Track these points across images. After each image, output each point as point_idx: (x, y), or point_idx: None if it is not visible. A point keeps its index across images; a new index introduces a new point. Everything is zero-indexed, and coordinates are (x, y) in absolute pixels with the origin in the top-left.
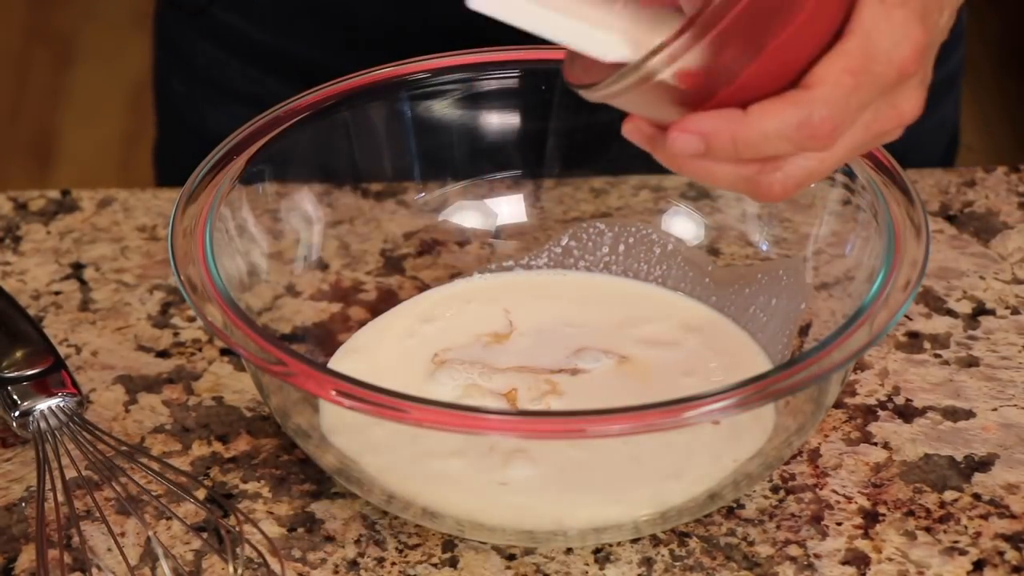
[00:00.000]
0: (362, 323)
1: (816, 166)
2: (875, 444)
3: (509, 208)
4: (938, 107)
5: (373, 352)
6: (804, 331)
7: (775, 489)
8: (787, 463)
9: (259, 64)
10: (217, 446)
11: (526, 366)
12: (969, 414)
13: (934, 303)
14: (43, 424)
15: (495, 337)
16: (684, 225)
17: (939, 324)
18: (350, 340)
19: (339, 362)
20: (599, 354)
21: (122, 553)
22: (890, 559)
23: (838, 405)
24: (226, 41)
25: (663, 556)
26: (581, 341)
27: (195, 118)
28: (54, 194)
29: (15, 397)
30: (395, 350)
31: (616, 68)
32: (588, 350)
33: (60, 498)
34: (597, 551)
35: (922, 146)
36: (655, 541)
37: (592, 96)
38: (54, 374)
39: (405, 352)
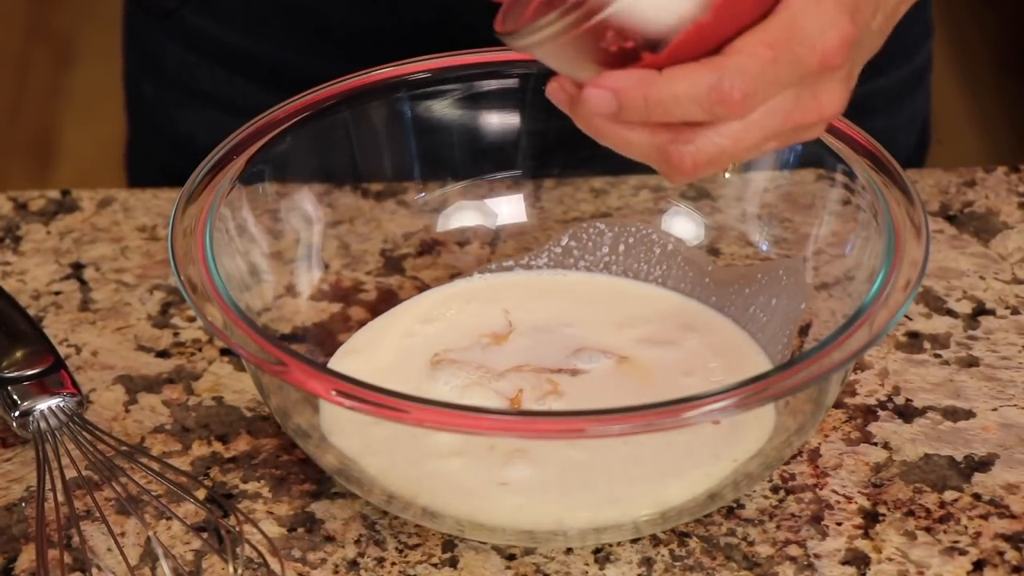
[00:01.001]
0: (362, 323)
1: (729, 145)
2: (875, 444)
3: (509, 208)
4: (909, 102)
5: (373, 352)
6: (804, 331)
7: (775, 489)
8: (787, 463)
9: (229, 66)
10: (217, 446)
11: (526, 366)
12: (969, 414)
13: (934, 303)
14: (43, 424)
15: (495, 337)
16: (684, 225)
17: (939, 324)
18: (350, 340)
19: (339, 362)
20: (598, 354)
21: (122, 553)
22: (890, 559)
23: (838, 405)
24: (195, 43)
25: (663, 556)
26: (581, 341)
27: (165, 121)
28: (54, 194)
29: (15, 397)
30: (395, 350)
31: (542, 15)
32: (587, 350)
33: (60, 498)
34: (597, 551)
35: (893, 140)
36: (655, 541)
37: (517, 44)
38: (54, 374)
39: (405, 352)
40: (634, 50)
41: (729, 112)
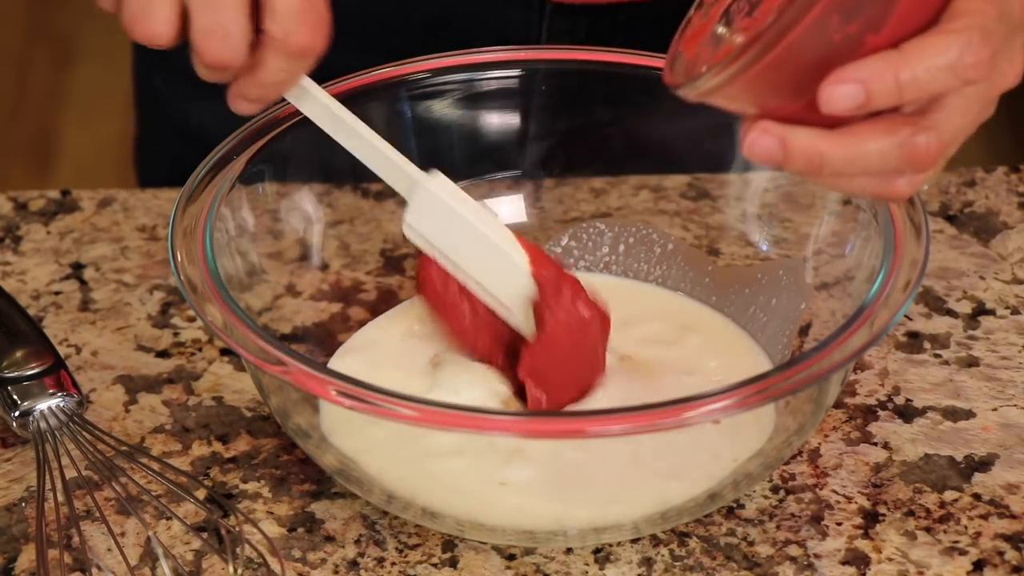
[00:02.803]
0: (362, 323)
1: (960, 121)
2: (875, 444)
3: (509, 208)
4: None
5: (372, 352)
6: (804, 331)
7: (775, 489)
8: (787, 463)
9: None
10: (217, 446)
11: None
12: (969, 414)
13: (934, 303)
14: (43, 424)
15: None
16: (684, 225)
17: (939, 324)
18: (349, 340)
19: (338, 362)
20: None
21: (122, 553)
22: (890, 559)
23: (838, 405)
24: None
25: (663, 556)
26: None
27: (177, 114)
28: (54, 194)
29: (15, 397)
30: (395, 350)
31: (724, 55)
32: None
33: (60, 498)
34: (597, 551)
35: None
36: (655, 541)
37: (708, 84)
38: (54, 374)
39: (405, 352)
40: (858, 34)
41: (982, 74)
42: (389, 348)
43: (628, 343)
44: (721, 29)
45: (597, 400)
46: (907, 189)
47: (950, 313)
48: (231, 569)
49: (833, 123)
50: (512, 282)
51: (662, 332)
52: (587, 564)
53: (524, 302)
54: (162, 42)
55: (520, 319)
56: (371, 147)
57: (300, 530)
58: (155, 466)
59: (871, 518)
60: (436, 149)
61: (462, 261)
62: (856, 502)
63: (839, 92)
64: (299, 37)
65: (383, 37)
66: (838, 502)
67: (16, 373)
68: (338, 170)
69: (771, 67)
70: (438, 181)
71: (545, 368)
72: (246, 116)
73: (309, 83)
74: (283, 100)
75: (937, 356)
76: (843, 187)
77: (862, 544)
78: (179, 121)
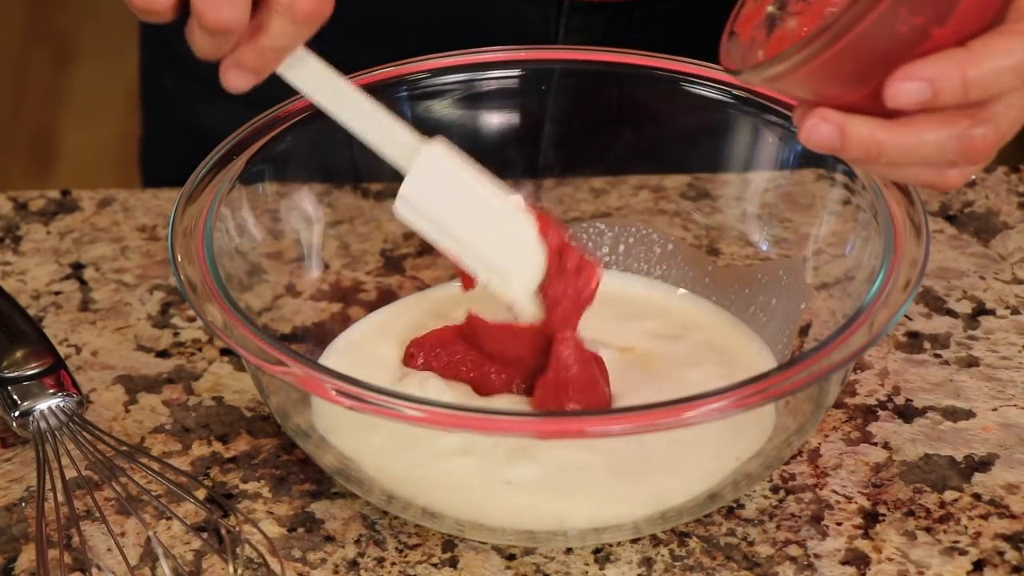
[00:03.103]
0: None
1: (1016, 115)
2: (875, 444)
3: None
4: None
5: (371, 349)
6: (804, 331)
7: (775, 489)
8: (787, 463)
9: None
10: (217, 446)
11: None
12: (969, 414)
13: (934, 303)
14: (43, 424)
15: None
16: (684, 225)
17: (939, 324)
18: (345, 333)
19: (335, 358)
20: (598, 344)
21: (122, 553)
22: (890, 559)
23: (838, 405)
24: None
25: (663, 556)
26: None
27: (187, 116)
28: (54, 194)
29: (15, 397)
30: (394, 345)
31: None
32: (590, 341)
33: (60, 498)
34: (597, 551)
35: None
36: (655, 541)
37: (773, 72)
38: (54, 374)
39: (399, 348)
40: (923, 26)
41: None
42: (390, 344)
43: (629, 337)
44: (773, 9)
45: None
46: (959, 179)
47: (950, 313)
48: (231, 569)
49: (890, 112)
50: (519, 256)
51: (664, 328)
52: (587, 564)
53: (531, 278)
54: (160, 9)
55: (524, 298)
56: (369, 116)
57: (300, 530)
58: (155, 466)
59: (871, 518)
60: None
61: (464, 235)
62: (856, 502)
63: (906, 88)
64: (306, 1)
65: (399, 34)
66: (838, 502)
67: (16, 373)
68: (338, 170)
69: (836, 57)
70: (441, 147)
71: (557, 401)
72: (247, 118)
73: (305, 51)
74: (283, 100)
75: (937, 356)
76: (896, 175)
77: (862, 544)
78: (189, 122)
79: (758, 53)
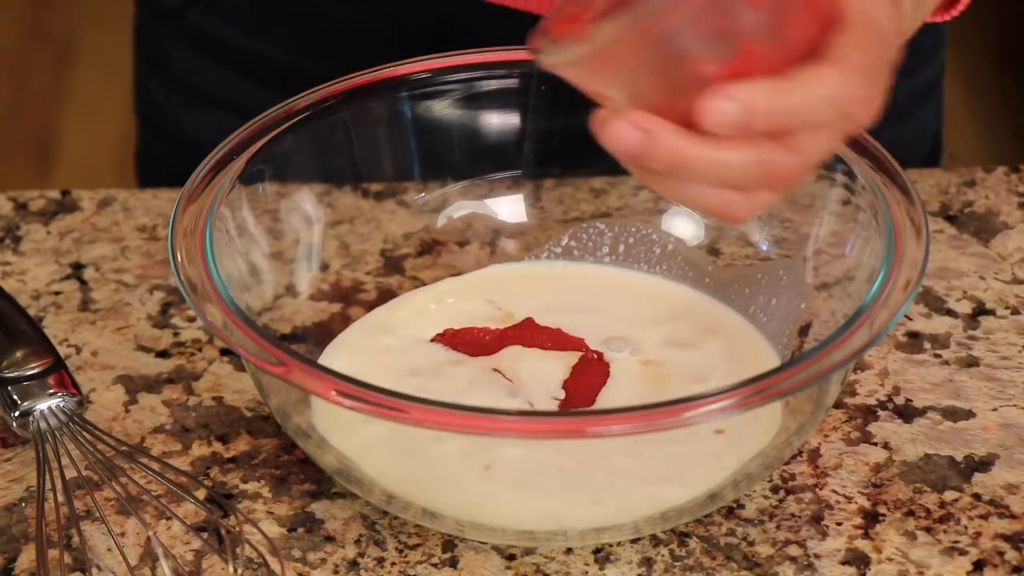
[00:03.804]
0: None
1: (826, 145)
2: (875, 444)
3: (509, 208)
4: (918, 114)
5: (370, 346)
6: (804, 331)
7: (775, 489)
8: (787, 463)
9: (236, 68)
10: (217, 446)
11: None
12: (969, 414)
13: (934, 303)
14: (43, 424)
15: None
16: (684, 225)
17: (939, 324)
18: (345, 332)
19: (335, 358)
20: (623, 343)
21: (122, 553)
22: (890, 559)
23: (838, 405)
24: (203, 46)
25: (663, 556)
26: (606, 331)
27: (173, 124)
28: (54, 194)
29: (15, 397)
30: (392, 344)
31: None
32: (616, 339)
33: (60, 498)
34: (597, 551)
35: (902, 152)
36: (655, 541)
37: (575, 53)
38: (54, 374)
39: (399, 347)
40: (737, 35)
41: (862, 112)
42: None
43: (652, 342)
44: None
45: (605, 401)
46: (746, 211)
47: (950, 313)
48: (231, 569)
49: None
50: None
51: (686, 333)
52: (587, 564)
53: None
54: None
55: None
56: None
57: (300, 530)
58: (155, 466)
59: (871, 518)
60: (436, 149)
61: None
62: (856, 502)
63: (722, 107)
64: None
65: (377, 47)
66: (838, 502)
67: (16, 373)
68: (338, 170)
69: (645, 45)
70: None
71: None
72: (234, 127)
73: None
74: (259, 105)
75: (937, 356)
76: (684, 194)
77: (862, 544)
78: (176, 131)
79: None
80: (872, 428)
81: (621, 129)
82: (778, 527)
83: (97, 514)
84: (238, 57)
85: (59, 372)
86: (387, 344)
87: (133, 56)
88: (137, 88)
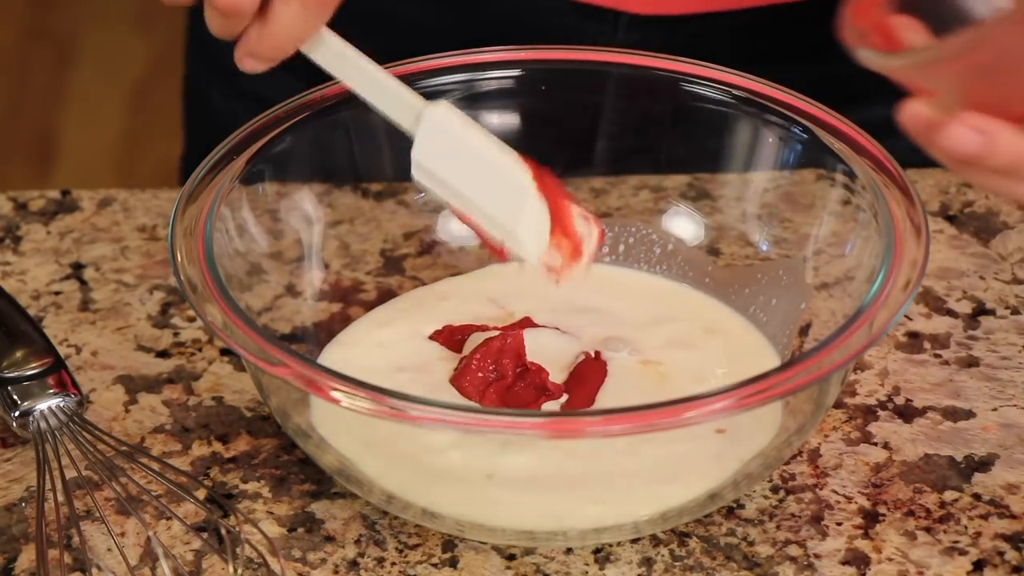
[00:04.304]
0: None
1: None
2: (875, 444)
3: None
4: None
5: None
6: (804, 331)
7: (775, 489)
8: (787, 463)
9: (307, 78)
10: (217, 446)
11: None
12: (969, 414)
13: (934, 303)
14: (43, 424)
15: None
16: (684, 225)
17: (939, 324)
18: (345, 332)
19: (335, 357)
20: (622, 343)
21: (122, 553)
22: (890, 559)
23: (838, 405)
24: None
25: (663, 556)
26: (605, 330)
27: (232, 129)
28: (54, 194)
29: (15, 397)
30: (391, 344)
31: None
32: (614, 339)
33: (60, 498)
34: (597, 551)
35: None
36: (655, 541)
37: (907, 60)
38: (54, 374)
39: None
40: None
41: None
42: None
43: (652, 343)
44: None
45: (605, 401)
46: None
47: (950, 313)
48: (231, 569)
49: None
50: (525, 214)
51: (686, 333)
52: (587, 564)
53: (540, 236)
54: None
55: (530, 249)
56: (375, 81)
57: (300, 530)
58: (155, 466)
59: (871, 518)
60: None
61: (472, 194)
62: (856, 502)
63: None
64: None
65: (451, 46)
66: (838, 502)
67: (16, 373)
68: (338, 170)
69: (972, 59)
70: (444, 108)
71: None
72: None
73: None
74: (282, 102)
75: (937, 356)
76: (1009, 188)
77: (862, 544)
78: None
79: (874, 40)
80: (872, 428)
81: (960, 133)
82: (778, 527)
83: (97, 514)
84: (310, 65)
85: (59, 372)
86: (384, 340)
87: (184, 62)
88: (189, 94)
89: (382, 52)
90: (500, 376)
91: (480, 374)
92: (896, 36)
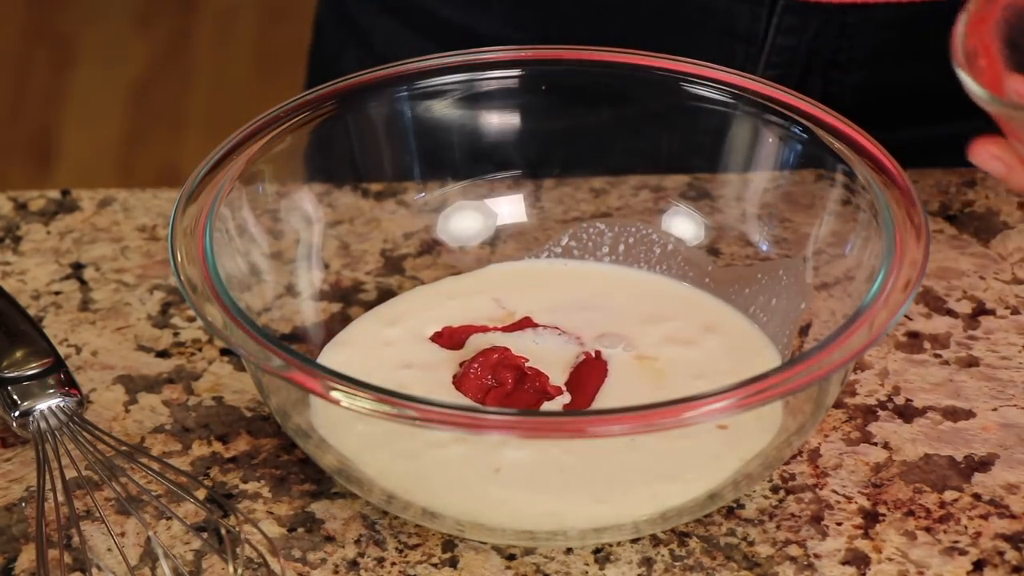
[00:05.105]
0: None
1: None
2: (875, 444)
3: (509, 208)
4: None
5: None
6: (804, 331)
7: (775, 489)
8: (787, 463)
9: (443, 45)
10: (217, 446)
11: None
12: (969, 414)
13: (934, 303)
14: (43, 424)
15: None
16: (684, 225)
17: (939, 324)
18: (344, 331)
19: (335, 357)
20: (617, 339)
21: (122, 553)
22: (890, 559)
23: (838, 405)
24: (409, 18)
25: (663, 556)
26: (602, 327)
27: None
28: (54, 194)
29: (15, 397)
30: (391, 344)
31: None
32: (610, 336)
33: (60, 498)
34: (597, 551)
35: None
36: (655, 541)
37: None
38: (54, 374)
39: (398, 346)
40: None
41: None
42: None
43: (648, 339)
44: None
45: (604, 398)
46: None
47: (950, 313)
48: (231, 569)
49: None
50: None
51: (685, 331)
52: (587, 564)
53: None
54: None
55: None
56: None
57: (300, 530)
58: (155, 466)
59: (871, 518)
60: (436, 149)
61: None
62: (856, 502)
63: None
64: None
65: (601, 24)
66: (838, 502)
67: (16, 373)
68: (338, 170)
69: None
70: None
71: None
72: None
73: None
74: (282, 100)
75: (937, 356)
76: None
77: (862, 544)
78: None
79: (981, 63)
80: (872, 428)
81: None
82: (778, 527)
83: (97, 514)
84: (448, 33)
85: (59, 372)
86: (385, 340)
87: (314, 27)
88: (314, 59)
89: (536, 29)
90: (499, 383)
91: (479, 383)
92: (1000, 63)
